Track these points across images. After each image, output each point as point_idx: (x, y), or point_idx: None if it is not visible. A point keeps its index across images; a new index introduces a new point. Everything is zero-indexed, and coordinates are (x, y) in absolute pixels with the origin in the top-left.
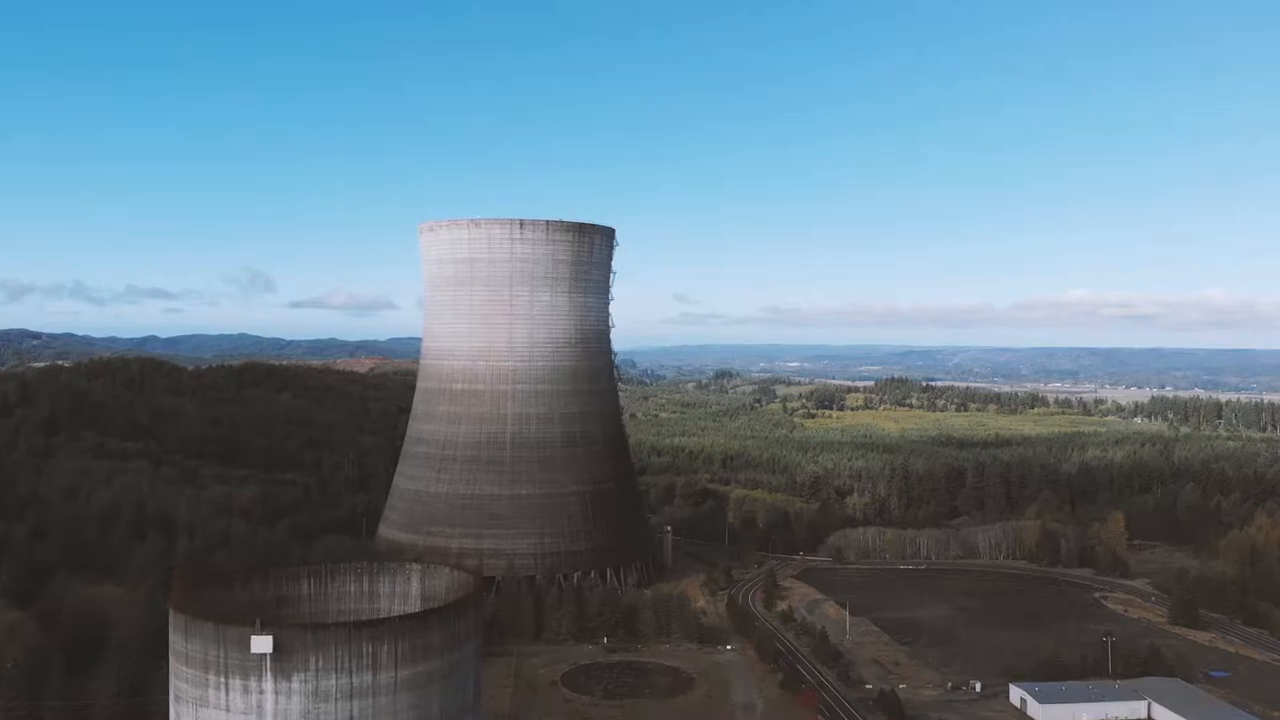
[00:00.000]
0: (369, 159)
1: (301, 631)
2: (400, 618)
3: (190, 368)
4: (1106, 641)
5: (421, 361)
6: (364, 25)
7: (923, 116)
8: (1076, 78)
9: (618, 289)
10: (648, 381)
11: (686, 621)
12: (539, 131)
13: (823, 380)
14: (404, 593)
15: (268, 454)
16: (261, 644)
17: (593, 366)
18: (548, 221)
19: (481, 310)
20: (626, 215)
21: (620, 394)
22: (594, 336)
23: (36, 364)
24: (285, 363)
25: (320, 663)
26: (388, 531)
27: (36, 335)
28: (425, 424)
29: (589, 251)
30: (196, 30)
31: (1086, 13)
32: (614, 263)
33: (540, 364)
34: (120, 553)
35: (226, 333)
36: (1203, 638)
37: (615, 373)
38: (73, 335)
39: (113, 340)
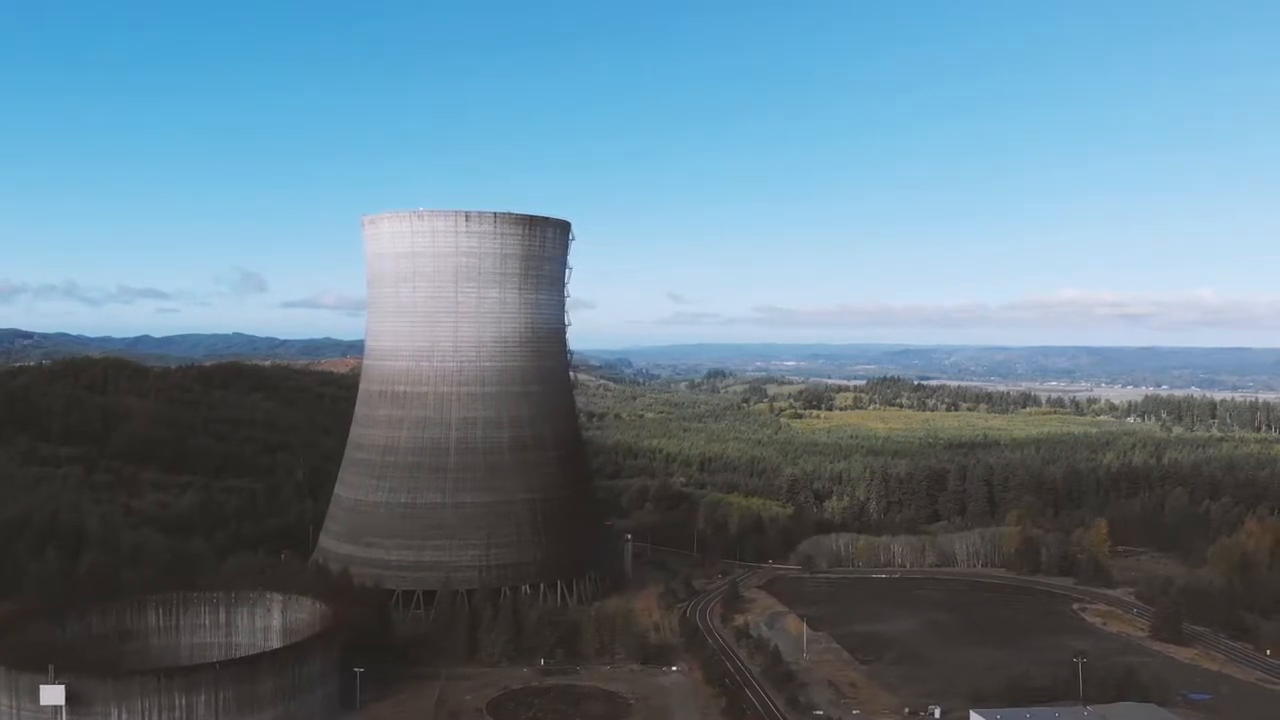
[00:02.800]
0: (362, 158)
1: (100, 681)
2: (221, 663)
3: (160, 368)
4: (1077, 662)
5: (364, 362)
6: (359, 22)
7: (917, 116)
8: (1066, 78)
9: (610, 289)
10: (640, 381)
11: (631, 640)
12: (535, 131)
13: (818, 380)
14: (265, 626)
15: (221, 458)
16: (52, 695)
17: (544, 367)
18: (495, 213)
19: (425, 307)
20: (619, 215)
21: (608, 395)
22: (547, 335)
23: (18, 364)
24: (267, 363)
25: (123, 716)
26: (328, 543)
27: (28, 335)
28: (366, 429)
29: (540, 245)
30: (185, 29)
31: (1077, 12)
32: (570, 258)
33: (488, 364)
34: (22, 568)
35: (220, 332)
36: (1185, 654)
37: (571, 373)
38: (66, 335)
39: (106, 340)
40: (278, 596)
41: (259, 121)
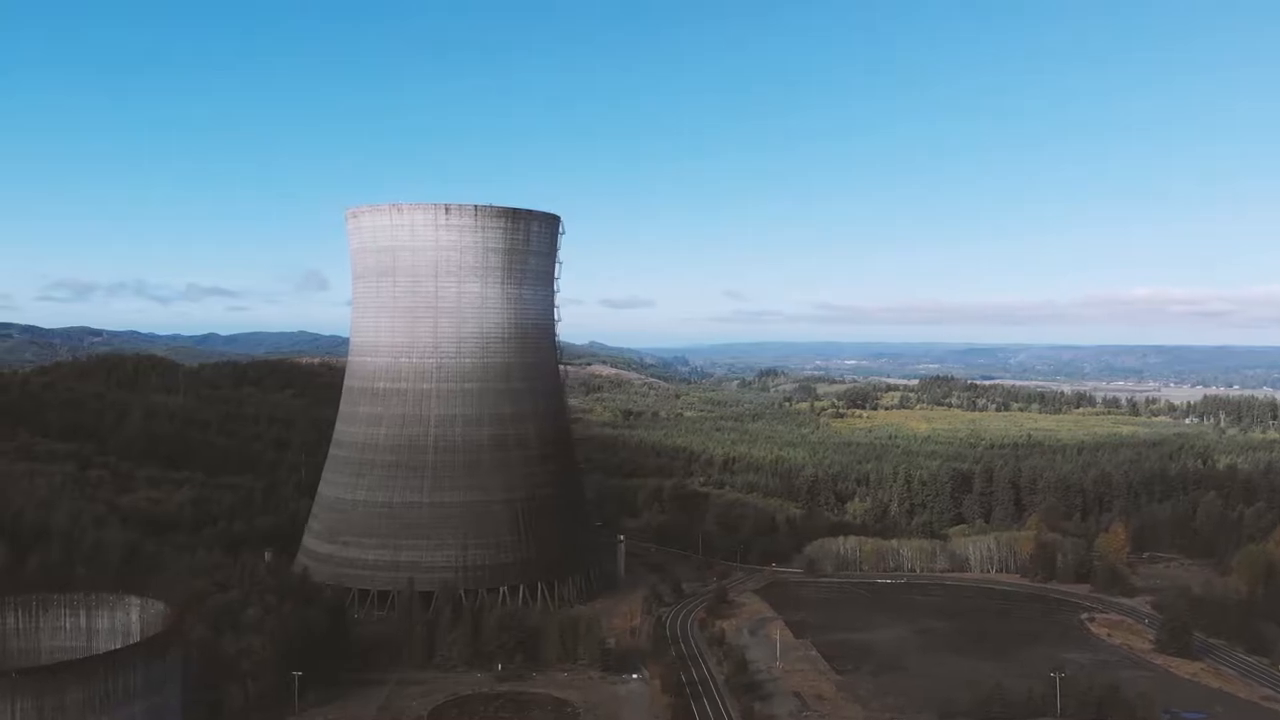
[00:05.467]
0: (417, 156)
1: None
2: (20, 671)
3: (193, 364)
4: (1055, 677)
5: (348, 359)
6: (407, 21)
7: (985, 106)
8: (1137, 66)
9: (668, 287)
10: (690, 380)
11: (593, 646)
12: (592, 127)
13: (877, 378)
14: (124, 629)
15: (226, 455)
16: None
17: (528, 363)
18: (476, 206)
19: (404, 302)
20: (675, 211)
21: (651, 393)
22: (532, 331)
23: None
24: (315, 361)
25: None
26: (310, 542)
27: (98, 333)
28: (348, 426)
29: (524, 239)
30: (243, 31)
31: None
32: (561, 253)
33: (468, 361)
34: None
35: (286, 330)
36: (1188, 669)
37: (561, 370)
38: (136, 333)
39: (175, 338)
40: (136, 599)
41: (317, 121)
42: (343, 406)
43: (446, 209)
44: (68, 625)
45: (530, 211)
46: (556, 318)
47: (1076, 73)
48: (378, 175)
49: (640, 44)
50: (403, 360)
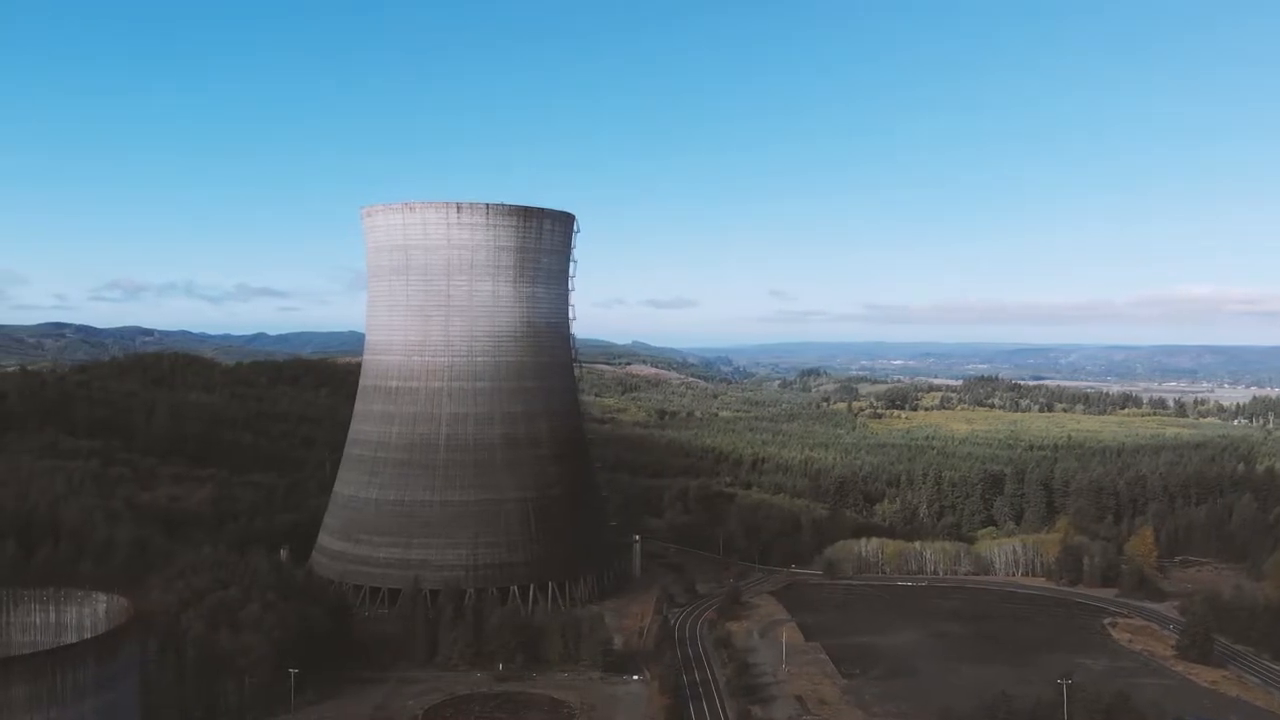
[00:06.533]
0: (468, 153)
1: None
2: None
3: (229, 362)
4: (1062, 684)
5: (363, 357)
6: (447, 14)
7: (1036, 104)
8: (1190, 66)
9: (713, 287)
10: (731, 380)
11: (596, 646)
12: (640, 124)
13: (923, 379)
14: (93, 624)
15: (253, 453)
16: None
17: (541, 362)
18: (487, 204)
19: (417, 301)
20: (721, 211)
21: (689, 393)
22: (545, 330)
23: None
24: (353, 360)
25: None
26: (325, 539)
27: (149, 332)
28: (362, 424)
29: (537, 238)
30: (301, 33)
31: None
32: (575, 251)
33: (480, 359)
34: None
35: (335, 330)
36: (1208, 676)
37: (576, 369)
38: (187, 333)
39: (225, 337)
40: (103, 596)
41: (366, 121)
42: (358, 405)
43: (458, 207)
44: (37, 620)
45: (543, 210)
46: (571, 316)
47: (1132, 68)
48: (426, 174)
49: (689, 42)
50: (415, 359)
